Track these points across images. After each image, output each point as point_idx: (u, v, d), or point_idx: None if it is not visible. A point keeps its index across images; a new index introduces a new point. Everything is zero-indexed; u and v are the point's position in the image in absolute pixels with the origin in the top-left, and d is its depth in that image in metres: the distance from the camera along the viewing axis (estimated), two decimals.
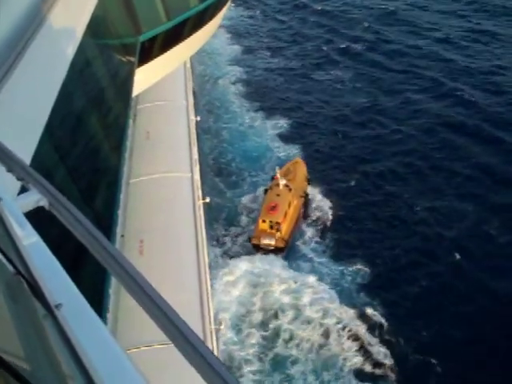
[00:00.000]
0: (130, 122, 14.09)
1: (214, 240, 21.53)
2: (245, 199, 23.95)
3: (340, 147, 27.52)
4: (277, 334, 18.01)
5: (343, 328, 17.97)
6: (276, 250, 21.10)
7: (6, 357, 1.52)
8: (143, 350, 9.33)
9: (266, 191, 22.88)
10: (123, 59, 12.48)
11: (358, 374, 16.91)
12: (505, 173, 24.38)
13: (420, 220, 22.41)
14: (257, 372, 17.01)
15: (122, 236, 11.38)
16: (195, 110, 19.08)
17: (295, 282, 19.44)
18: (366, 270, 20.24)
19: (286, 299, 18.90)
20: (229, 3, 19.43)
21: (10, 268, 1.86)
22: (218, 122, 30.05)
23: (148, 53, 13.18)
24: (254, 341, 17.73)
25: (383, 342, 17.64)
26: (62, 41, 6.99)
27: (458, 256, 20.46)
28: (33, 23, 5.74)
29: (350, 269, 20.36)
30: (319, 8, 44.61)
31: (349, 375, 16.87)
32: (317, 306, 18.59)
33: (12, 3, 5.93)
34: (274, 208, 21.35)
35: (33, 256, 1.85)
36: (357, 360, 17.18)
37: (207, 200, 14.33)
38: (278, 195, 21.92)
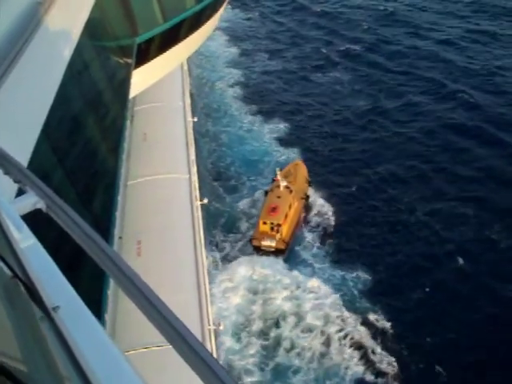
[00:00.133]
0: (128, 123, 14.09)
1: (213, 245, 21.30)
2: (244, 204, 23.70)
3: (340, 150, 27.13)
4: (278, 342, 17.69)
5: (345, 336, 17.59)
6: (277, 252, 20.97)
7: (3, 360, 1.51)
8: (141, 351, 9.30)
9: (266, 193, 22.81)
10: (120, 61, 12.50)
11: (361, 383, 16.54)
12: (508, 175, 23.85)
13: (422, 224, 21.94)
14: (257, 383, 16.68)
15: (120, 238, 11.35)
16: (192, 112, 19.06)
17: (296, 288, 19.16)
18: (368, 275, 19.85)
19: (287, 306, 18.60)
20: (225, 4, 19.44)
21: (7, 271, 1.86)
22: (217, 126, 29.68)
23: (145, 54, 13.20)
24: (253, 351, 17.42)
25: (386, 349, 17.21)
26: (59, 42, 6.99)
27: (461, 261, 19.96)
28: (30, 25, 5.74)
29: (352, 274, 19.99)
30: (318, 9, 44.33)
31: None
32: (318, 313, 18.30)
33: (9, 5, 5.93)
34: (274, 210, 21.24)
35: (30, 258, 1.85)
36: (359, 369, 16.78)
37: (205, 201, 14.33)
38: (279, 197, 21.81)
